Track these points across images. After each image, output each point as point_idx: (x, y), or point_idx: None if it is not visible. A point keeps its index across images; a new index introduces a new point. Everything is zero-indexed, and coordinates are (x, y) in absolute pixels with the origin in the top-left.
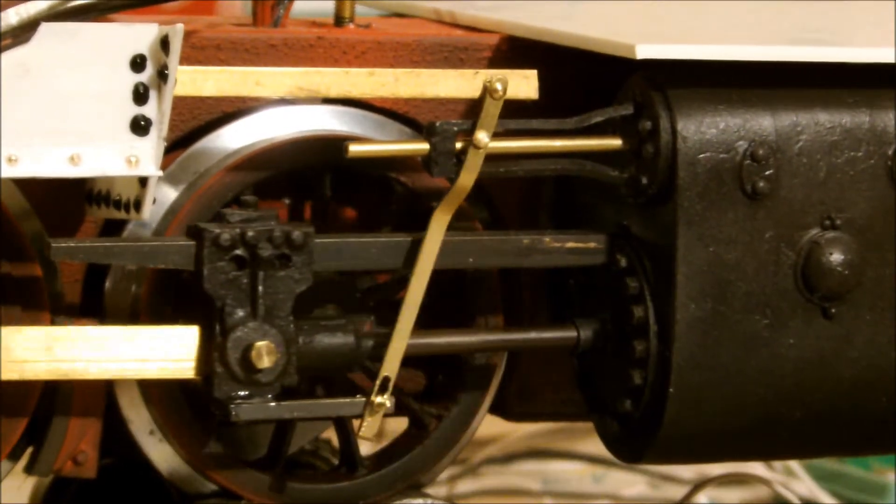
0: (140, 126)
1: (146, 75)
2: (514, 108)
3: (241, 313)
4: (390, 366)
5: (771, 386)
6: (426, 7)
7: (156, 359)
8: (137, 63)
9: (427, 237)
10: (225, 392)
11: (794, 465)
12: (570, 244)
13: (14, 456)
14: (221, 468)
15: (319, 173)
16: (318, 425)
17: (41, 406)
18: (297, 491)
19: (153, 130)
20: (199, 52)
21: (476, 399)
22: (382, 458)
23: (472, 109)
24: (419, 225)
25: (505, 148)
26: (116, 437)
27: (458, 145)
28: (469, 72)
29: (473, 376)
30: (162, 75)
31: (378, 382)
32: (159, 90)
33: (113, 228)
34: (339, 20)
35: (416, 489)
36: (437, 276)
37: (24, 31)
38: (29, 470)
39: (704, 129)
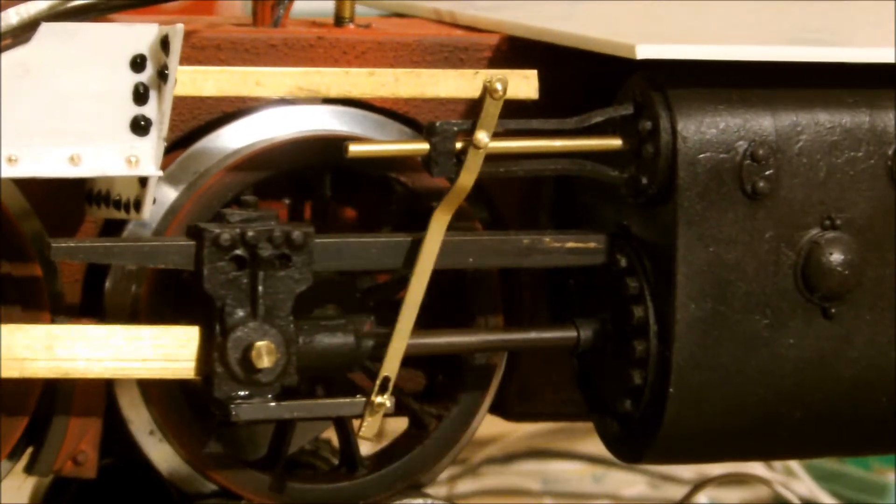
0: (140, 126)
1: (146, 75)
2: (514, 108)
3: (241, 313)
4: (390, 366)
5: (771, 386)
6: (426, 7)
7: (156, 359)
8: (137, 63)
9: (427, 237)
10: (225, 392)
11: (794, 465)
12: (570, 244)
13: (14, 456)
14: (221, 468)
15: (319, 173)
16: (318, 425)
17: (41, 406)
18: (297, 491)
19: (153, 130)
20: (199, 52)
21: (476, 399)
22: (382, 458)
23: (472, 109)
24: (419, 225)
25: (505, 148)
26: (116, 437)
27: (458, 145)
28: (469, 72)
29: (473, 376)
30: (162, 75)
31: (378, 382)
32: (159, 90)
33: (113, 228)
34: (339, 20)
35: (416, 489)
36: (437, 276)
37: (24, 31)
38: (29, 470)
39: (704, 129)
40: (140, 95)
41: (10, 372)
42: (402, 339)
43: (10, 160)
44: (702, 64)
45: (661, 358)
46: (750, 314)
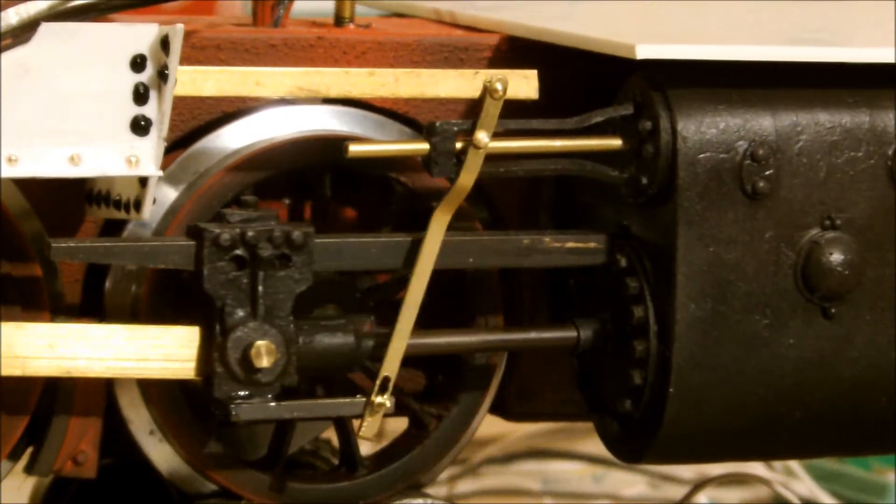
0: (140, 126)
1: (146, 75)
2: (514, 108)
3: (241, 313)
4: (390, 366)
5: (771, 386)
6: (426, 7)
7: (156, 359)
8: (137, 63)
9: (427, 237)
10: (225, 392)
11: (794, 465)
12: (570, 244)
13: (14, 456)
14: (221, 468)
15: (319, 173)
16: (318, 425)
17: (41, 406)
18: (297, 491)
19: (153, 130)
20: (199, 52)
21: (476, 399)
22: (382, 458)
23: (472, 109)
24: (419, 225)
25: (505, 148)
26: (116, 437)
27: (458, 145)
28: (469, 72)
29: (473, 376)
30: (162, 75)
31: (378, 382)
32: (159, 90)
33: (113, 228)
34: (339, 20)
35: (416, 489)
36: (437, 276)
37: (24, 31)
38: (29, 470)
39: (704, 129)
40: (140, 95)
41: (12, 370)
42: (402, 339)
43: (10, 160)
44: (702, 64)
45: (661, 358)
46: (750, 314)
